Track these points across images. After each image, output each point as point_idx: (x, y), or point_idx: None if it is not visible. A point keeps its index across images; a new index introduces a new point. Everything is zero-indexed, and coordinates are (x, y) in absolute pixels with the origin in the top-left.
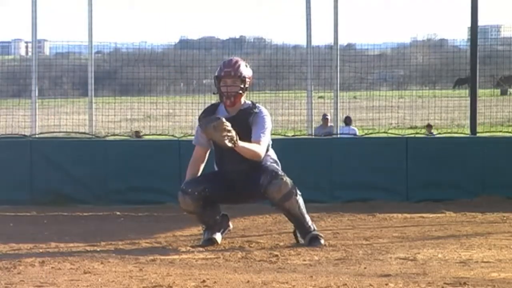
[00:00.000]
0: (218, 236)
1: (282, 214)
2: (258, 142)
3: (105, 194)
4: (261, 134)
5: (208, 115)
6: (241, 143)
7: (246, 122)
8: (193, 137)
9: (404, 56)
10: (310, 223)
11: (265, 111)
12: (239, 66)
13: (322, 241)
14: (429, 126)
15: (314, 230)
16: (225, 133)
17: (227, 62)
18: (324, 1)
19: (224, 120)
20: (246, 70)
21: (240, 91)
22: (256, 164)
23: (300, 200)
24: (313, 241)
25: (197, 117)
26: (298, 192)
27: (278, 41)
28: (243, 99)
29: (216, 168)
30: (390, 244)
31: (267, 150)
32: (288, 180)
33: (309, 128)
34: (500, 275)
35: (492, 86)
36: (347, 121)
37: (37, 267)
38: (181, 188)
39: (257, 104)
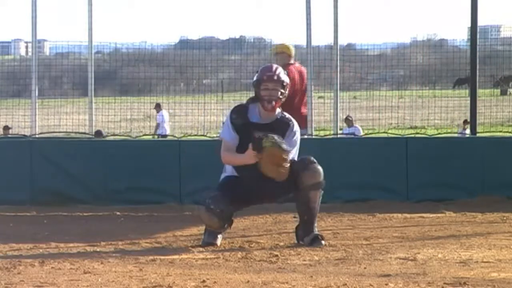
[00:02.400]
0: (218, 240)
1: (284, 212)
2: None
3: (105, 194)
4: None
5: (240, 117)
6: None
7: (282, 133)
8: (193, 137)
9: (404, 56)
10: (316, 224)
11: (298, 127)
12: (280, 72)
13: (323, 242)
14: (465, 122)
15: (316, 231)
16: (284, 165)
17: (268, 67)
18: (324, 1)
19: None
20: (286, 77)
21: (281, 96)
22: None
23: (320, 198)
24: (314, 241)
25: (197, 117)
26: (323, 189)
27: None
28: (279, 108)
29: (232, 172)
30: (390, 244)
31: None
32: (322, 170)
33: (309, 128)
34: (500, 275)
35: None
36: (348, 121)
37: (37, 267)
38: (207, 204)
39: (290, 117)
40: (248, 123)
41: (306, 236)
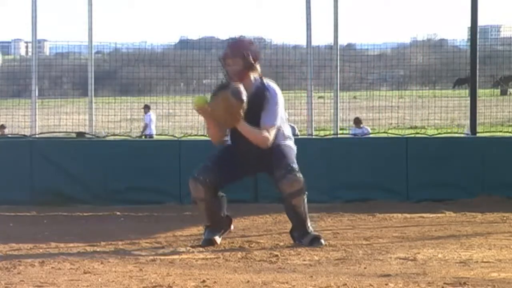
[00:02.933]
0: (217, 237)
1: (284, 212)
2: (267, 128)
3: (105, 194)
4: (271, 119)
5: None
6: (245, 124)
7: (260, 107)
8: (193, 137)
9: (404, 56)
10: (309, 224)
11: (275, 93)
12: (238, 45)
13: (323, 242)
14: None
15: (313, 231)
16: (231, 107)
17: (229, 43)
18: (324, 1)
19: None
20: (246, 47)
21: (244, 69)
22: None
23: (305, 200)
24: (314, 242)
25: (197, 117)
26: (306, 192)
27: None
28: (252, 76)
29: (229, 141)
30: (390, 244)
31: (280, 125)
32: (301, 177)
33: (309, 128)
34: (500, 275)
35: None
36: (357, 121)
37: (37, 267)
38: (193, 174)
39: (266, 84)
40: None
41: (302, 237)
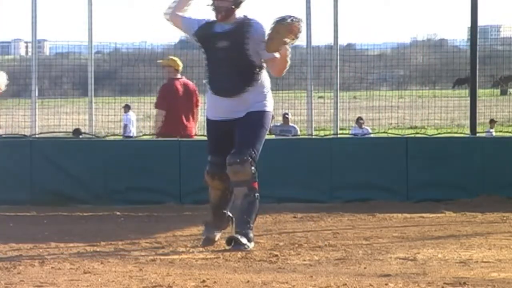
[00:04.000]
0: (216, 234)
1: (284, 212)
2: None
3: (105, 194)
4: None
5: (203, 29)
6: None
7: (244, 33)
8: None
9: (404, 56)
10: (244, 225)
11: (259, 23)
12: None
13: (247, 247)
14: (491, 122)
15: (243, 232)
16: (292, 37)
17: None
18: (324, 1)
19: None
20: None
21: (232, 6)
22: (248, 91)
23: (251, 199)
24: (231, 242)
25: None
26: (256, 192)
27: None
28: (237, 15)
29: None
30: (390, 244)
31: (261, 69)
32: (250, 169)
33: (309, 128)
34: (500, 275)
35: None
36: (359, 121)
37: (37, 267)
38: (208, 170)
39: (251, 18)
40: (210, 33)
41: (234, 233)
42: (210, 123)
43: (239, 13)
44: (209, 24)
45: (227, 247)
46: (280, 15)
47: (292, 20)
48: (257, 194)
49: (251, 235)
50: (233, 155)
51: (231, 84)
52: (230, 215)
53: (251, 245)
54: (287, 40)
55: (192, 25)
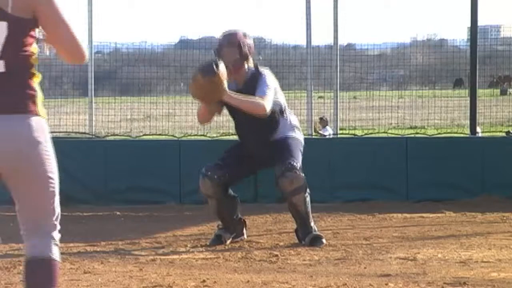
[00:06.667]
0: (227, 236)
1: (284, 212)
2: (261, 97)
3: (105, 194)
4: (264, 89)
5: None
6: (232, 96)
7: (255, 88)
8: (193, 137)
9: (404, 56)
10: (312, 223)
11: (267, 72)
12: (233, 35)
13: (324, 241)
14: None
15: (315, 230)
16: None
17: (224, 34)
18: (324, 1)
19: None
20: (242, 37)
21: (239, 58)
22: (275, 134)
23: (308, 199)
24: (314, 241)
25: (197, 117)
26: (308, 190)
27: (278, 41)
28: (247, 66)
29: (237, 136)
30: (390, 244)
31: (283, 113)
32: (301, 175)
33: (309, 128)
34: (500, 275)
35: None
36: (322, 122)
37: None
38: (202, 171)
39: (261, 70)
40: None
41: (304, 236)
42: (240, 143)
43: (250, 64)
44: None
45: (308, 246)
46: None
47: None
48: (308, 191)
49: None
50: (281, 167)
51: (256, 142)
52: (242, 218)
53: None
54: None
55: None
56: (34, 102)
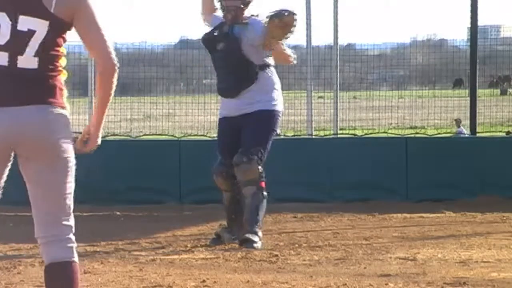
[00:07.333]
0: (228, 237)
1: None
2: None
3: (105, 194)
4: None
5: (213, 32)
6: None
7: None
8: (193, 137)
9: (404, 56)
10: (257, 228)
11: (258, 20)
12: None
13: (256, 246)
14: (457, 121)
15: (255, 234)
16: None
17: None
18: (324, 1)
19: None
20: None
21: (242, 6)
22: (254, 93)
23: (261, 197)
24: (245, 242)
25: (197, 117)
26: (265, 193)
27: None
28: (245, 13)
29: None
30: (390, 244)
31: (265, 68)
32: (258, 168)
33: (309, 128)
34: (500, 275)
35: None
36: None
37: (37, 267)
38: (213, 168)
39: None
40: (212, 37)
41: (240, 233)
42: (220, 121)
43: (247, 12)
44: (219, 25)
45: (239, 247)
46: (272, 11)
47: (281, 17)
48: (265, 193)
49: (260, 234)
50: (240, 155)
51: (228, 84)
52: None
53: (260, 244)
54: (279, 36)
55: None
56: (62, 96)
